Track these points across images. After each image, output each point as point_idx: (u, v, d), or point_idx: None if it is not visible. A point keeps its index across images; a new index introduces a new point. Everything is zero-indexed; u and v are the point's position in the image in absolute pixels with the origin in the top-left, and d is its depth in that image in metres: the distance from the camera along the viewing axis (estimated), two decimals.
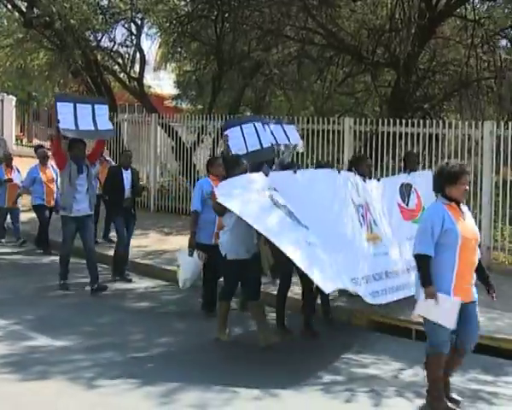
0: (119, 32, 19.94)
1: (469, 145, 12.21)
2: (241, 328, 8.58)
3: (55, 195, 13.01)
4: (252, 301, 7.89)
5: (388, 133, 12.80)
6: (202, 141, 17.38)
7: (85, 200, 10.05)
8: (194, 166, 16.81)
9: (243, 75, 17.53)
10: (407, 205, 9.34)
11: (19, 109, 32.36)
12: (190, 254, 8.71)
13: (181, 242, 12.72)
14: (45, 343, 7.76)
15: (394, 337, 8.30)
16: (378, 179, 9.57)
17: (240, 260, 7.64)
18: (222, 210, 7.52)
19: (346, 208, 8.15)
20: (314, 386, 6.71)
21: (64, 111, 9.79)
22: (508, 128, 11.44)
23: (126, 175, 10.99)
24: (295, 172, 8.17)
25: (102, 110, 10.24)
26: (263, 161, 9.30)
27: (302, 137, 14.02)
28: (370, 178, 9.46)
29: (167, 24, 18.22)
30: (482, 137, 11.58)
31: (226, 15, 16.72)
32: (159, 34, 21.09)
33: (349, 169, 9.27)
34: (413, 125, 12.56)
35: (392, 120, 12.81)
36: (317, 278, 6.95)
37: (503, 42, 16.40)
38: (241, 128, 9.49)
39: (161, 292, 10.34)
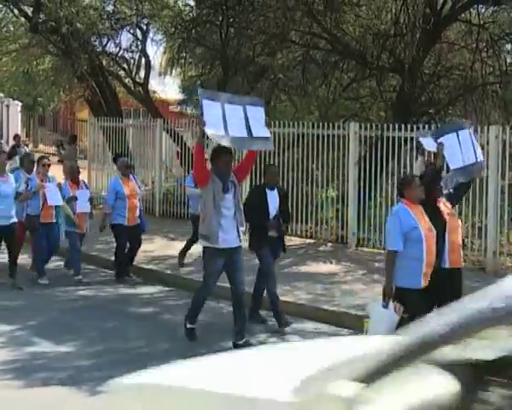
0: (125, 38, 19.99)
1: None
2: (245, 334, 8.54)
3: (138, 211, 11.37)
4: None
5: (393, 138, 12.78)
6: (207, 146, 17.36)
7: (233, 227, 7.82)
8: None
9: (248, 80, 17.52)
10: None
11: (24, 114, 32.47)
12: (385, 306, 6.93)
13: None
14: (48, 349, 7.76)
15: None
16: None
17: None
18: None
19: None
20: None
21: (211, 111, 7.76)
22: None
23: (272, 196, 8.85)
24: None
25: (258, 113, 8.12)
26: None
27: (307, 143, 14.09)
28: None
29: (172, 29, 18.24)
30: (488, 142, 11.55)
31: (231, 20, 16.73)
32: (164, 39, 21.16)
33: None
34: (418, 130, 12.52)
35: (397, 125, 12.80)
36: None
37: (508, 46, 16.38)
38: (457, 135, 7.88)
39: (165, 297, 10.34)
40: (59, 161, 18.29)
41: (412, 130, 12.53)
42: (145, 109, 21.25)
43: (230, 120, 7.73)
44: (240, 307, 7.98)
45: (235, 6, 16.15)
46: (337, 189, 14.46)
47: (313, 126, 14.16)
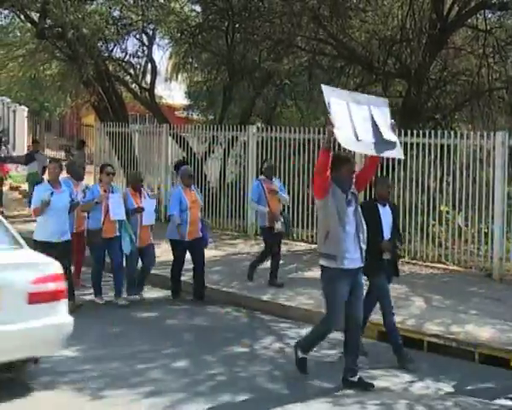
0: (131, 43, 20.08)
1: (481, 156, 12.15)
2: (249, 339, 8.51)
3: (199, 224, 10.51)
4: None
5: (400, 143, 12.71)
6: (213, 151, 17.39)
7: (356, 246, 6.83)
8: (205, 176, 16.80)
9: (254, 85, 17.54)
10: None
11: (31, 120, 32.53)
12: None
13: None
14: (53, 353, 7.72)
15: (405, 349, 8.21)
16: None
17: None
18: None
19: None
20: (323, 398, 6.64)
21: (339, 111, 6.74)
22: None
23: (385, 213, 7.71)
24: None
25: (383, 114, 7.07)
26: None
27: (313, 148, 14.07)
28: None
29: (178, 35, 18.30)
30: (494, 148, 11.51)
31: (237, 26, 16.76)
32: (170, 45, 21.22)
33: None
34: (424, 136, 12.49)
35: (403, 131, 12.74)
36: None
37: None
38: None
39: (171, 302, 10.29)
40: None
41: (418, 136, 12.50)
42: (151, 115, 21.29)
43: (357, 122, 6.79)
44: (356, 337, 7.04)
45: (241, 12, 16.17)
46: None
47: (319, 132, 14.12)
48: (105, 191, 10.02)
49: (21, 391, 6.59)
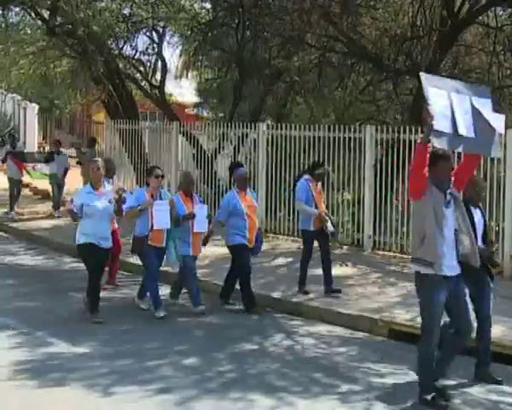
0: (141, 40, 20.10)
1: None
2: (260, 337, 8.52)
3: (257, 230, 9.79)
4: None
5: (410, 141, 12.71)
6: (223, 149, 17.39)
7: (452, 250, 6.29)
8: (215, 173, 16.81)
9: (264, 83, 17.52)
10: None
11: (41, 117, 32.64)
12: None
13: (204, 251, 12.78)
14: (64, 350, 7.77)
15: (414, 347, 8.20)
16: None
17: None
18: None
19: None
20: (330, 395, 6.65)
21: (439, 102, 6.12)
22: None
23: (478, 216, 7.06)
24: None
25: (485, 105, 6.40)
26: None
27: (323, 146, 14.05)
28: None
29: (189, 32, 18.31)
30: (505, 146, 11.46)
31: (247, 23, 16.74)
32: (180, 42, 21.22)
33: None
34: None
35: (413, 128, 12.73)
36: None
37: None
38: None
39: (182, 299, 10.30)
40: (78, 162, 18.26)
41: None
42: (161, 112, 21.30)
43: (459, 115, 6.16)
44: (458, 350, 6.63)
45: (251, 9, 16.14)
46: (353, 192, 14.41)
47: (329, 129, 14.12)
48: (152, 197, 9.19)
49: (35, 387, 6.63)
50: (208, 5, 19.07)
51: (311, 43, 16.02)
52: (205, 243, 9.76)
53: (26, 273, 11.93)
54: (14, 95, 34.18)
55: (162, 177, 9.53)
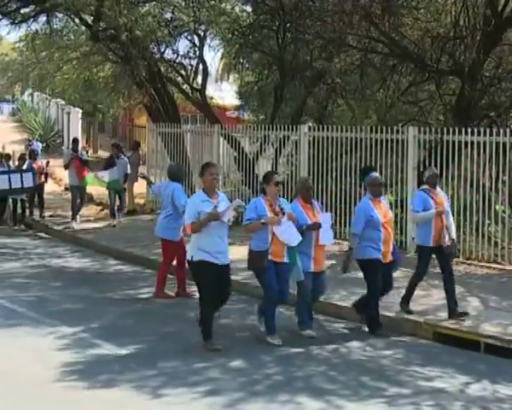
0: (182, 44, 20.23)
1: None
2: (305, 340, 8.51)
3: (391, 245, 8.84)
4: None
5: (453, 142, 12.60)
6: (264, 151, 17.42)
7: None
8: (257, 176, 16.85)
9: (305, 85, 17.50)
10: None
11: (85, 121, 33.02)
12: None
13: (243, 252, 12.80)
14: (111, 351, 7.87)
15: (461, 350, 8.14)
16: None
17: None
18: None
19: None
20: (378, 399, 6.63)
21: None
22: None
23: None
24: None
25: None
26: None
27: (365, 147, 13.97)
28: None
29: (230, 35, 18.36)
30: None
31: (288, 25, 16.74)
32: (221, 45, 21.31)
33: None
34: (479, 134, 12.32)
35: (457, 129, 12.61)
36: None
37: None
38: None
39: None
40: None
41: (473, 134, 12.34)
42: (202, 115, 21.41)
43: None
44: None
45: (292, 11, 16.14)
46: (395, 194, 14.32)
47: (371, 131, 14.06)
48: (275, 213, 8.02)
49: (83, 388, 6.73)
50: (249, 8, 19.14)
51: (353, 44, 15.96)
52: (345, 269, 8.78)
53: (72, 276, 12.12)
54: (58, 100, 34.67)
55: (281, 183, 8.46)
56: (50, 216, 17.80)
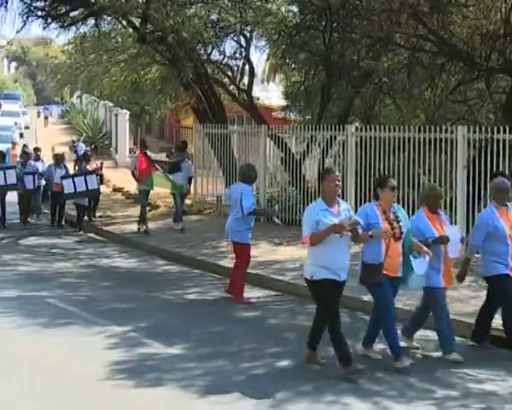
0: (229, 45, 20.30)
1: None
2: (352, 340, 8.45)
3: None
4: None
5: (504, 141, 12.38)
6: (311, 151, 17.37)
7: None
8: (304, 176, 16.81)
9: (352, 85, 17.39)
10: None
11: (132, 123, 33.41)
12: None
13: (290, 252, 12.81)
14: (159, 351, 7.93)
15: (509, 353, 7.98)
16: None
17: None
18: None
19: None
20: (427, 401, 6.55)
21: None
22: None
23: None
24: None
25: None
26: None
27: (413, 147, 13.82)
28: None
29: (276, 36, 18.35)
30: None
31: (335, 25, 16.66)
32: (267, 46, 21.31)
33: None
34: None
35: (507, 128, 12.39)
36: None
37: None
38: None
39: (271, 302, 10.37)
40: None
41: None
42: (249, 116, 21.45)
43: None
44: None
45: (338, 10, 16.06)
46: (444, 194, 14.12)
47: (419, 130, 13.90)
48: (389, 221, 7.27)
49: (131, 386, 6.79)
50: (295, 8, 19.10)
51: (400, 43, 15.81)
52: (461, 278, 7.96)
53: (121, 276, 12.25)
54: (106, 102, 35.16)
55: (397, 188, 7.56)
56: (100, 217, 18.01)
